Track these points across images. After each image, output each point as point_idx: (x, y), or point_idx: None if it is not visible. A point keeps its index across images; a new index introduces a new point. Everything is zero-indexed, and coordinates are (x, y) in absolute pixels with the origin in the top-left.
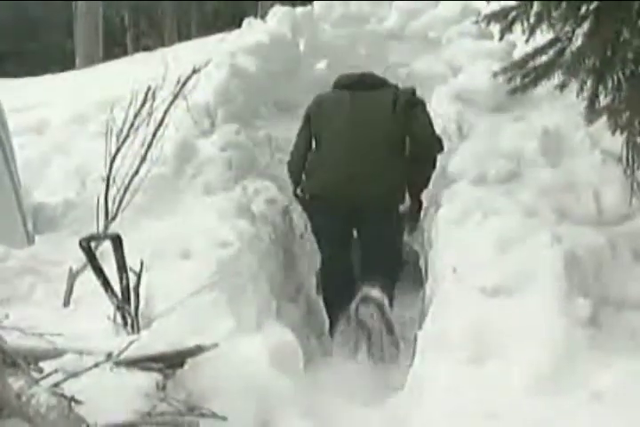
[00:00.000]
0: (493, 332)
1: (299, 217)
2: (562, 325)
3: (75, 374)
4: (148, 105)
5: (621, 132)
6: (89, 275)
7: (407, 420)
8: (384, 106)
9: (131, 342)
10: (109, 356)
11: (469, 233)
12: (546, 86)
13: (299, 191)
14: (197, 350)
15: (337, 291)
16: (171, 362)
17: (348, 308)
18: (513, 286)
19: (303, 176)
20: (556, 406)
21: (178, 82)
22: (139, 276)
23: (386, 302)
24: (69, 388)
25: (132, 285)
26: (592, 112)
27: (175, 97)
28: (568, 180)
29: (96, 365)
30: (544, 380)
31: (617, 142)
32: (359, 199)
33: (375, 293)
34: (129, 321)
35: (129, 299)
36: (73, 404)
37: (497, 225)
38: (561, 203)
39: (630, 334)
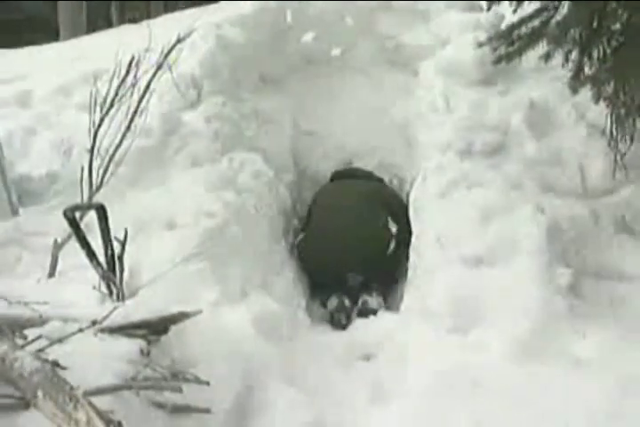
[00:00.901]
0: (475, 301)
1: (285, 189)
2: (543, 294)
3: (59, 340)
4: (131, 75)
5: (605, 103)
6: (74, 246)
7: (390, 387)
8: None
9: (114, 308)
10: (94, 323)
11: (454, 205)
12: (532, 59)
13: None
14: (181, 317)
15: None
16: (154, 329)
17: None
18: (495, 257)
19: None
20: (536, 374)
21: (162, 52)
22: (123, 245)
23: (382, 305)
24: (54, 353)
25: (116, 254)
26: (577, 82)
27: (159, 67)
28: (553, 152)
29: (80, 330)
30: (525, 348)
31: (602, 116)
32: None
33: (373, 302)
34: (114, 291)
35: (114, 269)
36: (57, 368)
37: (481, 197)
38: (546, 175)
39: (609, 302)
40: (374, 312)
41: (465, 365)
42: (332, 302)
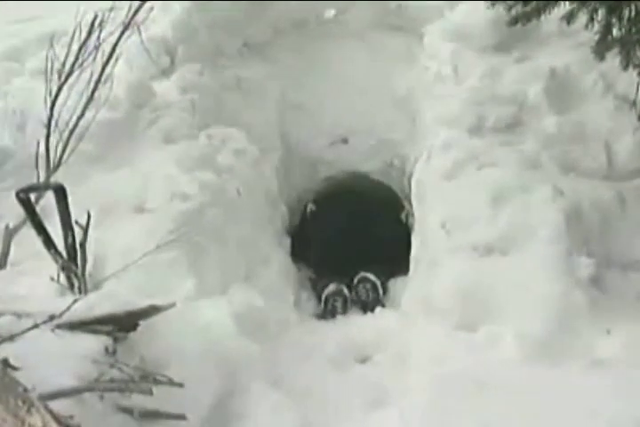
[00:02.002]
0: (485, 295)
1: (271, 170)
2: (561, 287)
3: (10, 337)
4: (94, 37)
5: (636, 71)
6: (29, 232)
7: (388, 390)
8: None
9: (75, 301)
10: (51, 318)
11: (463, 187)
12: (553, 21)
13: None
14: (152, 311)
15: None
16: (121, 324)
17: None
18: (508, 244)
19: None
20: (552, 376)
21: (129, 11)
22: (85, 231)
23: (379, 284)
24: (5, 351)
25: (78, 242)
26: (603, 46)
27: (126, 27)
28: (576, 128)
29: (35, 326)
30: (540, 347)
31: (632, 86)
32: None
33: (371, 276)
34: (75, 283)
35: (75, 258)
36: (8, 368)
37: (493, 178)
38: (567, 154)
39: (636, 296)
40: (371, 282)
41: (473, 366)
42: (330, 288)
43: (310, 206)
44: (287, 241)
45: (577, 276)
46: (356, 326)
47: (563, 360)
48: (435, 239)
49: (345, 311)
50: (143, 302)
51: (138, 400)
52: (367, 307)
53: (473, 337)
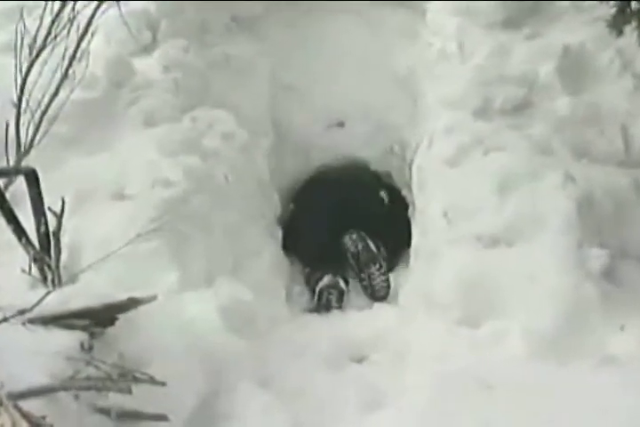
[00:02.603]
0: (490, 288)
1: (262, 156)
2: (571, 279)
3: None
4: (68, 8)
5: None
6: None
7: (385, 391)
8: None
9: (47, 293)
10: (22, 312)
11: (467, 173)
12: None
13: None
14: (131, 304)
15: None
16: (98, 319)
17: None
18: (515, 235)
19: None
20: (561, 375)
21: None
22: (59, 219)
23: (369, 241)
24: None
25: (51, 231)
26: (621, 20)
27: None
28: (590, 110)
29: (4, 320)
30: (548, 344)
31: None
32: None
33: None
34: (48, 275)
35: (48, 248)
36: None
37: (500, 164)
38: (580, 138)
39: None
40: (359, 233)
41: (476, 364)
42: (324, 281)
43: (291, 206)
44: (278, 232)
45: (588, 268)
46: (351, 322)
47: (572, 358)
48: (435, 229)
49: (340, 305)
50: (122, 296)
51: (116, 400)
52: (359, 261)
53: (476, 334)
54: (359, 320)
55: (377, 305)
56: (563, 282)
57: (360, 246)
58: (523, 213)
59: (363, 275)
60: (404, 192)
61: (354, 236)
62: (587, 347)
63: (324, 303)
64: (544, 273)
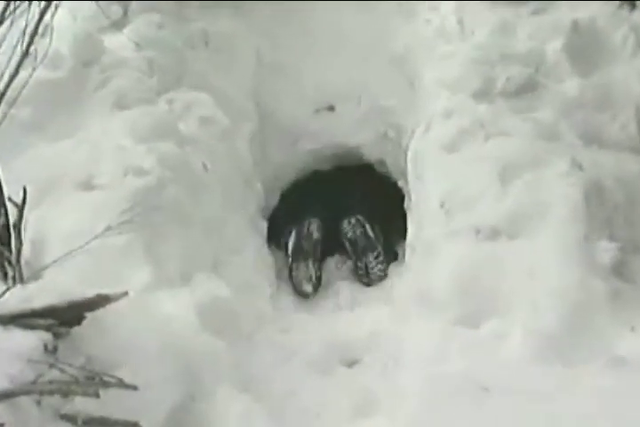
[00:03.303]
0: (490, 285)
1: (244, 142)
2: (578, 275)
3: None
4: None
5: None
6: None
7: (378, 396)
8: None
9: (6, 290)
10: None
11: (466, 160)
12: None
13: None
14: (100, 302)
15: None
16: (63, 318)
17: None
18: (517, 227)
19: None
20: (567, 378)
21: None
22: (21, 210)
23: (368, 227)
24: None
25: (12, 223)
26: None
27: None
28: (601, 92)
29: None
30: (553, 345)
31: None
32: None
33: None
34: (9, 271)
35: (8, 242)
36: None
37: (502, 150)
38: (589, 123)
39: None
40: (356, 217)
41: (475, 367)
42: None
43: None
44: (263, 225)
45: (597, 263)
46: (342, 322)
47: (578, 360)
48: (432, 221)
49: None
50: (90, 293)
51: (82, 406)
52: (356, 249)
53: (475, 334)
54: (350, 320)
55: (369, 303)
56: (568, 278)
57: (358, 232)
58: (526, 203)
59: (359, 263)
60: (401, 183)
61: (352, 220)
62: (593, 348)
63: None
64: (548, 268)
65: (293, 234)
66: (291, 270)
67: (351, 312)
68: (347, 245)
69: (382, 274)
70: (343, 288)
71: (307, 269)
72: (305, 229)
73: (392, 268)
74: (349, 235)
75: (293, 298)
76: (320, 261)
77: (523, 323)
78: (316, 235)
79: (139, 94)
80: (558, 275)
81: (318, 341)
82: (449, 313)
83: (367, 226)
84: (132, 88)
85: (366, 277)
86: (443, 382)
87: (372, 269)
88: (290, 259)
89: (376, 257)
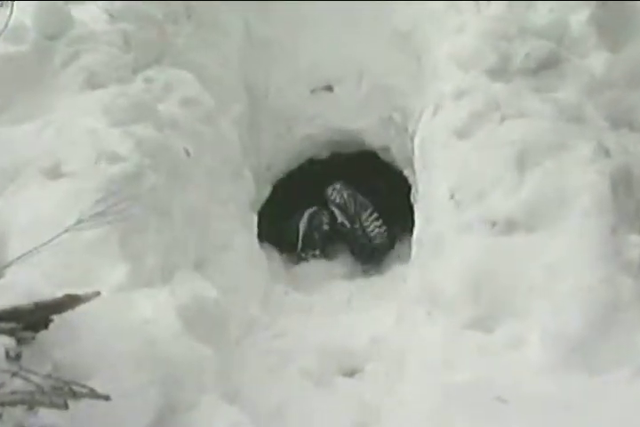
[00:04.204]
0: (505, 284)
1: (231, 126)
2: (603, 273)
3: None
4: None
5: None
6: None
7: (381, 409)
8: None
9: None
10: None
11: (479, 146)
12: None
13: None
14: (69, 303)
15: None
16: (28, 321)
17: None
18: (536, 219)
19: None
20: (591, 387)
21: None
22: None
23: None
24: None
25: None
26: None
27: None
28: (630, 69)
29: None
30: (575, 351)
31: None
32: None
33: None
34: None
35: None
36: None
37: (520, 134)
38: (617, 103)
39: None
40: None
41: (489, 376)
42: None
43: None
44: (253, 218)
45: (624, 259)
46: (341, 327)
47: (604, 367)
48: (441, 213)
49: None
50: (58, 293)
51: (49, 418)
52: (348, 212)
53: (489, 339)
54: (350, 325)
55: (371, 304)
56: (593, 276)
57: (346, 195)
58: (546, 192)
59: (355, 225)
60: (407, 172)
61: (337, 186)
62: (622, 354)
63: (315, 225)
64: (571, 265)
65: (306, 220)
66: (299, 255)
67: (350, 315)
68: (336, 212)
69: (382, 230)
70: (341, 289)
71: (314, 257)
72: (317, 220)
73: (396, 265)
74: (337, 200)
75: (287, 300)
76: (324, 251)
77: (543, 326)
78: (325, 227)
79: (112, 71)
80: (582, 272)
81: (314, 347)
82: (460, 315)
83: (353, 190)
84: (105, 65)
85: (366, 238)
86: (453, 393)
87: (369, 226)
88: (299, 246)
89: (370, 214)
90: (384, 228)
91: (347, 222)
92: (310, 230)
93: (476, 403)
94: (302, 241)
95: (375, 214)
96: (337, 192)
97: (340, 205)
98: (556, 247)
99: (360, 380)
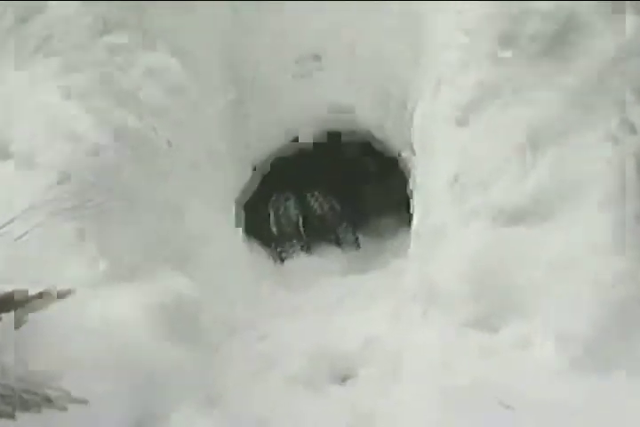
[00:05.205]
0: (511, 279)
1: (215, 114)
2: (620, 267)
3: None
4: None
5: None
6: None
7: (376, 417)
8: None
9: None
10: None
11: (484, 129)
12: None
13: None
14: (35, 303)
15: None
16: None
17: None
18: (545, 208)
19: None
20: (604, 391)
21: None
22: None
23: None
24: None
25: None
26: None
27: None
28: None
29: None
30: (588, 352)
31: None
32: None
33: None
34: None
35: None
36: None
37: (528, 116)
38: (632, 83)
39: None
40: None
41: (494, 379)
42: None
43: None
44: (237, 211)
45: None
46: (331, 327)
47: (619, 369)
48: (442, 202)
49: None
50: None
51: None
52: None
53: (494, 339)
54: (341, 325)
55: (366, 302)
56: (611, 270)
57: (327, 208)
58: (558, 177)
59: (331, 236)
60: (404, 155)
61: (316, 193)
62: (637, 355)
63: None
64: (584, 259)
65: (272, 212)
66: (278, 253)
67: (343, 315)
68: (315, 220)
69: (355, 245)
70: (333, 286)
71: (293, 250)
72: (281, 207)
73: (392, 259)
74: (317, 211)
75: (274, 299)
76: (307, 242)
77: (552, 325)
78: (294, 211)
79: (75, 38)
80: (595, 267)
81: (303, 350)
82: (460, 314)
83: (333, 200)
84: (74, 43)
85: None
86: (454, 398)
87: (344, 240)
88: (274, 243)
89: (345, 227)
90: (356, 236)
91: (322, 231)
92: (279, 221)
93: (479, 409)
94: (276, 234)
95: (350, 228)
96: (316, 200)
97: (319, 216)
98: (568, 239)
99: (353, 385)
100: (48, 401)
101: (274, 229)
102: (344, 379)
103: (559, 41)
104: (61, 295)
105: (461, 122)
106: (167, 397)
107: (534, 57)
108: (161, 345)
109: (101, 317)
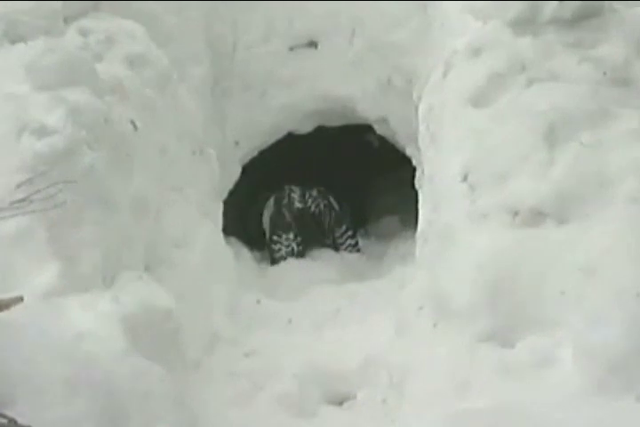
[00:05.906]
0: (529, 287)
1: (191, 93)
2: None
3: None
4: None
5: None
6: None
7: None
8: None
9: None
10: None
11: (499, 116)
12: None
13: None
14: None
15: None
16: None
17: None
18: (568, 207)
19: None
20: (632, 414)
21: None
22: None
23: (332, 199)
24: None
25: None
26: None
27: None
28: None
29: None
30: (616, 370)
31: None
32: None
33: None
34: None
35: None
36: None
37: (550, 101)
38: None
39: None
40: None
41: (511, 401)
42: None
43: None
44: (217, 208)
45: None
46: (326, 343)
47: None
48: (452, 200)
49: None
50: None
51: None
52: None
53: (510, 355)
54: (338, 340)
55: (366, 313)
56: (633, 278)
57: (322, 206)
58: (582, 173)
59: (327, 240)
60: (410, 150)
61: (314, 193)
62: None
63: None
64: (610, 264)
65: (272, 201)
66: (269, 245)
67: (339, 328)
68: (312, 222)
69: (355, 249)
70: (327, 296)
71: (288, 243)
72: (286, 200)
73: (397, 265)
74: (313, 209)
75: (260, 310)
76: (302, 236)
77: (575, 338)
78: (298, 204)
79: (39, 22)
80: (624, 273)
81: (294, 369)
82: (474, 326)
83: (331, 198)
84: (29, 13)
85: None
86: (467, 424)
87: (343, 245)
88: (267, 231)
89: (345, 231)
90: (355, 240)
91: (318, 234)
92: (279, 209)
93: None
94: (270, 226)
95: (350, 232)
96: (313, 201)
97: (315, 215)
98: (594, 243)
99: (351, 409)
100: None
101: (266, 227)
102: (340, 402)
103: (594, 6)
104: (7, 304)
105: (474, 106)
106: (136, 422)
107: (563, 25)
108: (130, 362)
109: (61, 330)
